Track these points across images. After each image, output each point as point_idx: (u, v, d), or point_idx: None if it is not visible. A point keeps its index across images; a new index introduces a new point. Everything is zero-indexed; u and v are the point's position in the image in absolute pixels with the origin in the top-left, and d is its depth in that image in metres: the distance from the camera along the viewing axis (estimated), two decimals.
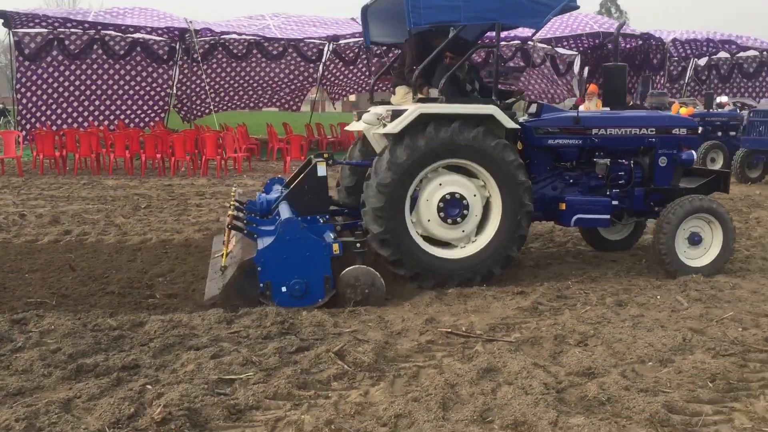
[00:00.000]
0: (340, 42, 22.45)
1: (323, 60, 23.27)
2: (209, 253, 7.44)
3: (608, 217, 6.82)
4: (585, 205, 6.75)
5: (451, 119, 6.04)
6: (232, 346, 4.55)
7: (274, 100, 24.70)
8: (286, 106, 24.81)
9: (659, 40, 23.71)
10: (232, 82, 22.84)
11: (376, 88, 10.22)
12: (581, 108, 11.57)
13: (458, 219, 6.22)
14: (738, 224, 9.34)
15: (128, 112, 22.39)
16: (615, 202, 6.85)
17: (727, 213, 6.63)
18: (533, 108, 6.99)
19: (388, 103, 7.07)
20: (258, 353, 4.43)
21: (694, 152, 7.15)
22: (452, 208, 6.19)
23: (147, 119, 22.77)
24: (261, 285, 5.35)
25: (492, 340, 4.82)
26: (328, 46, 22.69)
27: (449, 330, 5.00)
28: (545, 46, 23.91)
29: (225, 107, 24.59)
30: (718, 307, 5.55)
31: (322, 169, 6.47)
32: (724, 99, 19.94)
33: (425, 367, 4.35)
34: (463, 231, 6.28)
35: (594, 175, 7.00)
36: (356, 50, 23.24)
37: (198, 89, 21.99)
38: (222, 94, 23.27)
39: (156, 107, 22.74)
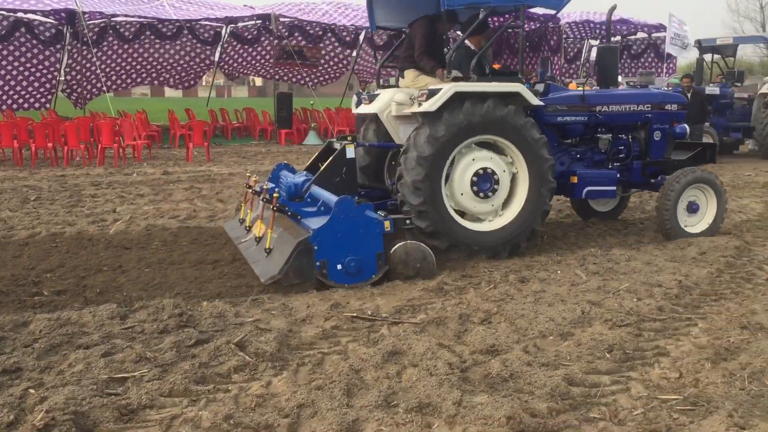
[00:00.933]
0: (239, 24, 21.84)
1: (221, 42, 22.57)
2: (104, 245, 7.07)
3: (615, 188, 7.29)
4: (595, 178, 7.16)
5: (484, 97, 6.26)
6: (125, 343, 4.30)
7: (170, 81, 23.72)
8: (180, 85, 23.87)
9: (556, 21, 24.39)
10: (124, 64, 21.78)
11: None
12: None
13: (489, 193, 6.46)
14: (634, 198, 9.75)
15: (15, 96, 21.00)
16: (618, 175, 7.28)
17: (721, 183, 7.21)
18: (540, 87, 7.18)
19: (394, 86, 7.38)
20: (153, 349, 4.21)
21: (686, 126, 7.68)
22: (484, 182, 6.43)
23: (36, 104, 21.43)
24: (317, 263, 5.43)
25: (398, 323, 4.78)
26: (226, 29, 22.02)
27: (354, 314, 4.92)
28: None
29: (118, 88, 23.48)
30: (614, 279, 5.72)
31: (350, 152, 6.67)
32: (618, 79, 20.74)
33: (330, 353, 4.25)
34: (492, 205, 6.53)
35: (597, 150, 7.44)
36: (254, 32, 22.67)
37: (89, 74, 20.85)
38: (114, 78, 22.17)
39: (43, 90, 21.40)
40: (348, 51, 24.21)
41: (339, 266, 5.51)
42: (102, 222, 8.32)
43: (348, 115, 21.80)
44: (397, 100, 6.84)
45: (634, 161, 7.48)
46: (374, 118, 7.40)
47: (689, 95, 13.43)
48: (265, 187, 6.42)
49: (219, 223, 8.17)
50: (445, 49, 6.78)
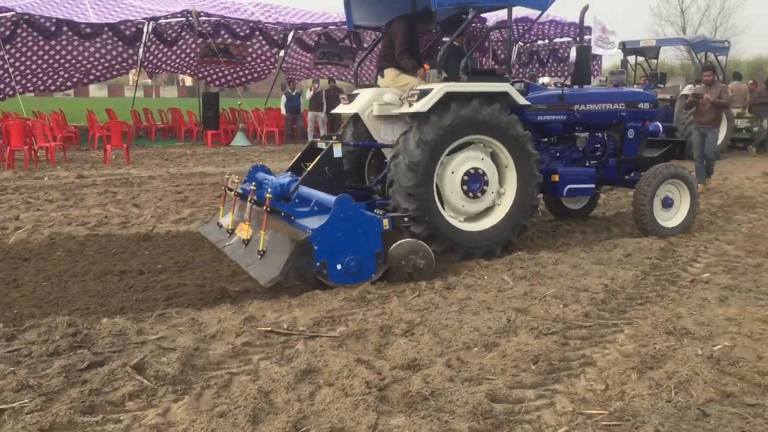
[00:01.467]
0: (160, 21, 21.04)
1: (143, 40, 21.70)
2: (0, 256, 6.50)
3: (594, 186, 7.40)
4: (575, 176, 7.25)
5: (471, 97, 6.27)
6: (8, 368, 3.85)
7: (90, 78, 22.61)
8: (102, 77, 22.77)
9: (483, 20, 24.48)
10: (40, 62, 20.66)
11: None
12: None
13: (479, 193, 6.48)
14: None
15: None
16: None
17: (693, 178, 7.42)
18: (519, 86, 7.14)
19: (372, 86, 7.43)
20: (39, 374, 3.78)
21: (659, 124, 7.86)
22: (474, 182, 6.44)
23: None
24: (318, 264, 5.36)
25: (315, 336, 4.48)
26: (148, 26, 21.19)
27: (269, 329, 4.59)
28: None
29: (32, 89, 22.26)
30: (541, 284, 5.58)
31: (338, 151, 6.64)
32: (546, 80, 21.02)
33: (238, 373, 3.91)
34: (483, 204, 6.57)
35: (575, 149, 7.60)
36: (178, 29, 21.90)
37: (1, 72, 19.68)
38: (29, 76, 21.00)
39: None
40: (276, 50, 23.65)
41: (339, 266, 5.44)
42: (1, 230, 7.70)
43: (277, 116, 21.32)
44: (387, 100, 6.86)
45: (610, 159, 7.65)
46: (354, 118, 7.38)
47: None
48: (253, 188, 6.19)
49: (195, 228, 7.78)
50: (440, 51, 6.69)
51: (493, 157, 6.58)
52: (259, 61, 23.72)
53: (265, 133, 20.31)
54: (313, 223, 5.52)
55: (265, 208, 5.70)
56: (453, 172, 6.37)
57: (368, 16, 7.64)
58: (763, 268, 5.96)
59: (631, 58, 18.07)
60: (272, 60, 24.22)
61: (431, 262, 5.78)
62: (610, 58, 30.36)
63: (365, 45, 21.29)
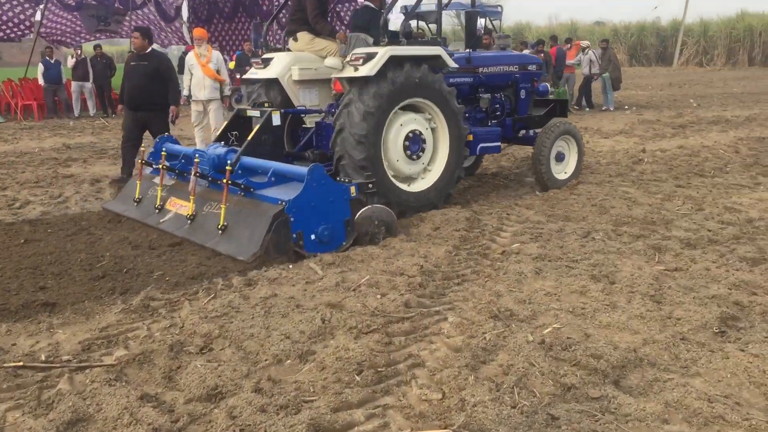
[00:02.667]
0: None
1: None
2: None
3: (500, 144, 7.82)
4: (485, 135, 7.62)
5: (410, 61, 6.43)
6: None
7: None
8: None
9: None
10: None
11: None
12: (192, 55, 10.51)
13: (420, 153, 6.73)
14: None
15: None
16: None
17: (580, 134, 8.09)
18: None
19: (281, 50, 7.52)
20: None
21: (548, 85, 8.63)
22: (414, 144, 6.66)
23: None
24: (294, 235, 5.31)
25: (84, 368, 3.54)
26: None
27: (20, 363, 3.56)
28: None
29: None
30: (353, 270, 5.05)
31: (276, 119, 6.61)
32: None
33: None
34: (423, 164, 6.84)
35: (479, 109, 8.00)
36: None
37: None
38: None
39: None
40: (28, 6, 20.38)
41: (313, 236, 5.43)
42: None
43: (34, 87, 18.66)
44: (329, 64, 6.90)
45: (507, 118, 8.07)
46: (267, 83, 7.29)
47: None
48: (196, 160, 6.04)
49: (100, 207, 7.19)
50: (383, 15, 6.75)
51: (426, 117, 6.82)
52: (5, 18, 20.40)
53: (21, 108, 17.68)
54: (282, 194, 5.46)
55: (225, 180, 5.54)
56: (396, 134, 6.55)
57: None
58: (565, 232, 5.96)
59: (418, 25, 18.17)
60: (27, 23, 21.03)
61: (395, 222, 5.96)
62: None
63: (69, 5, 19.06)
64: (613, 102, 17.96)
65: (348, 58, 6.48)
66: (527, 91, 8.17)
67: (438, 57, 6.73)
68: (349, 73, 6.41)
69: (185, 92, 10.76)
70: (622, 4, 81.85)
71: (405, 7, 17.62)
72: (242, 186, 5.63)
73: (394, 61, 6.30)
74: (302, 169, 5.59)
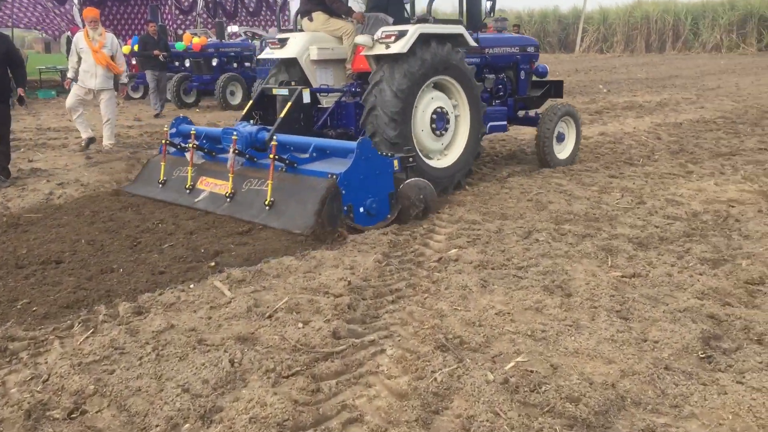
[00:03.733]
0: None
1: None
2: None
3: (506, 123, 8.05)
4: (495, 114, 7.76)
5: (438, 38, 6.52)
6: None
7: None
8: None
9: None
10: None
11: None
12: (82, 37, 9.38)
13: (443, 131, 6.78)
14: None
15: None
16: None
17: (579, 115, 8.28)
18: None
19: (300, 30, 7.58)
20: None
21: (546, 66, 8.78)
22: (440, 121, 6.70)
23: None
24: (345, 208, 5.34)
25: None
26: None
27: None
28: None
29: None
30: (267, 288, 4.25)
31: (306, 96, 6.69)
32: (235, 29, 19.38)
33: None
34: (442, 143, 6.86)
35: (485, 90, 7.81)
36: None
37: None
38: None
39: None
40: None
41: (361, 209, 5.47)
42: None
43: None
44: (361, 41, 6.64)
45: (509, 98, 8.21)
46: (287, 62, 7.35)
47: None
48: (234, 137, 6.02)
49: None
50: None
51: (449, 95, 6.90)
52: None
53: None
54: (328, 168, 5.53)
55: (271, 156, 5.56)
56: (423, 111, 6.60)
57: None
58: (504, 233, 5.36)
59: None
60: None
61: (435, 196, 6.00)
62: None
63: None
64: None
65: (377, 36, 6.44)
66: (526, 72, 8.33)
67: (461, 35, 6.86)
68: (381, 50, 6.42)
69: (70, 74, 9.58)
70: None
71: None
72: (287, 161, 5.63)
73: (421, 39, 6.36)
74: (346, 144, 5.79)
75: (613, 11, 44.55)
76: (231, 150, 5.90)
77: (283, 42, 7.32)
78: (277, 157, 5.55)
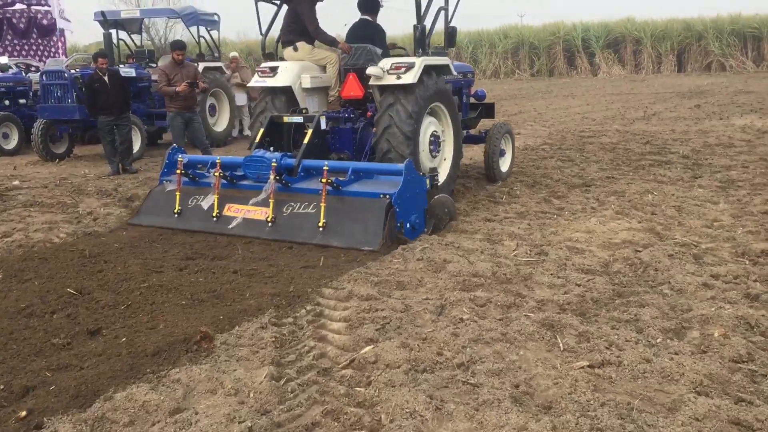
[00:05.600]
0: None
1: None
2: None
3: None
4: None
5: (436, 69, 7.32)
6: None
7: None
8: None
9: None
10: None
11: None
12: None
13: (437, 153, 7.50)
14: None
15: None
16: None
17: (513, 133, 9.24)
18: None
19: (281, 59, 8.07)
20: None
21: (484, 90, 9.36)
22: (434, 144, 7.41)
23: None
24: (398, 224, 5.80)
25: None
26: None
27: None
28: None
29: None
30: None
31: (323, 122, 7.06)
32: (4, 60, 16.48)
33: None
34: (435, 164, 7.40)
35: None
36: None
37: None
38: None
39: None
40: None
41: (408, 224, 5.92)
42: None
43: None
44: (373, 72, 6.97)
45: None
46: (280, 90, 7.71)
47: (107, 78, 10.72)
48: (273, 164, 6.34)
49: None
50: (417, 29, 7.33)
51: (438, 120, 7.55)
52: None
53: None
54: (375, 188, 6.04)
55: (324, 181, 5.91)
56: (424, 134, 7.13)
57: None
58: (414, 310, 4.30)
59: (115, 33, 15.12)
60: None
61: (455, 208, 6.66)
62: (72, 35, 26.51)
63: None
64: None
65: (386, 67, 6.93)
66: (467, 96, 8.91)
67: (447, 66, 7.74)
68: (391, 80, 6.90)
69: None
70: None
71: (102, 13, 14.68)
72: (334, 184, 5.97)
73: (430, 70, 7.11)
74: (388, 165, 6.43)
75: (399, 40, 45.88)
76: (271, 177, 6.21)
77: (273, 71, 7.66)
78: (327, 180, 5.91)
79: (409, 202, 5.92)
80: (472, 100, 9.17)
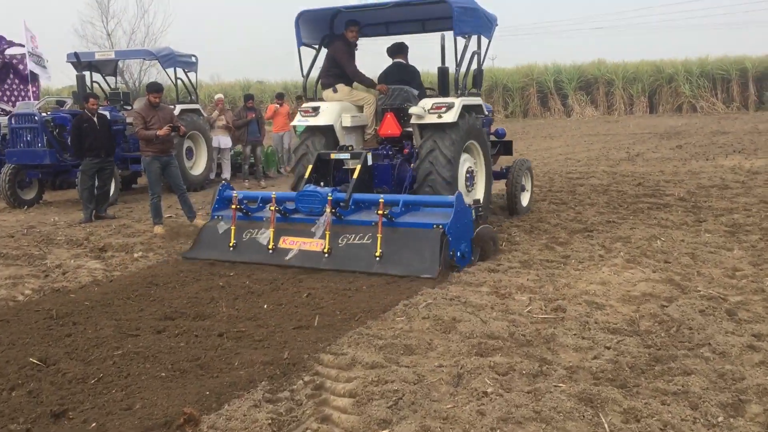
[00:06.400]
0: None
1: None
2: None
3: None
4: None
5: (471, 108, 7.92)
6: None
7: None
8: None
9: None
10: None
11: None
12: None
13: (472, 187, 8.04)
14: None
15: None
16: None
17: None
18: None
19: (320, 99, 8.53)
20: None
21: (504, 128, 9.87)
22: (471, 178, 7.98)
23: None
24: (450, 252, 6.13)
25: None
26: None
27: None
28: None
29: None
30: None
31: (370, 158, 7.47)
32: None
33: None
34: (471, 195, 7.88)
35: None
36: None
37: None
38: None
39: None
40: None
41: (459, 253, 6.22)
42: None
43: None
44: (416, 112, 7.47)
45: None
46: (318, 129, 8.13)
47: (96, 119, 10.20)
48: (330, 197, 6.66)
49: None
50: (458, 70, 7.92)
51: (473, 156, 8.16)
52: None
53: None
54: (429, 219, 6.38)
55: (380, 213, 6.26)
56: (461, 169, 7.65)
57: (312, 36, 8.57)
58: (428, 381, 3.79)
59: (88, 74, 14.55)
60: None
61: (497, 236, 7.11)
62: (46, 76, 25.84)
63: None
64: None
65: (428, 108, 7.44)
66: (488, 134, 9.07)
67: (480, 106, 8.26)
68: (432, 119, 7.39)
69: None
70: (269, 64, 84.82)
71: (76, 54, 14.15)
72: (388, 216, 6.31)
73: (467, 109, 7.66)
74: (439, 198, 6.85)
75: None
76: (328, 210, 6.54)
77: (316, 111, 8.09)
78: (383, 213, 6.27)
79: (459, 231, 6.24)
80: (492, 137, 9.46)
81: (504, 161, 10.06)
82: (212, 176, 14.76)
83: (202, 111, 14.37)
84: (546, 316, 4.86)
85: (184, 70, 14.29)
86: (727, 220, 8.10)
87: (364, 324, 4.85)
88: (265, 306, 5.46)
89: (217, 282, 6.23)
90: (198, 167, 14.09)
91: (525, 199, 9.36)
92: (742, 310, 4.81)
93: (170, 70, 14.07)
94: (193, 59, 14.52)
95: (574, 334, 4.46)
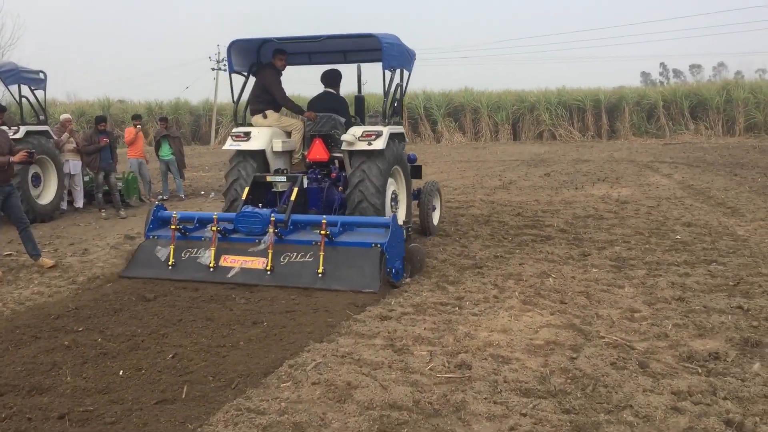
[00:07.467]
0: None
1: None
2: None
3: None
4: None
5: (397, 136, 8.59)
6: None
7: None
8: None
9: None
10: None
11: None
12: None
13: (396, 209, 8.57)
14: None
15: None
16: None
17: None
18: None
19: (250, 125, 8.95)
20: None
21: (415, 154, 9.96)
22: (395, 200, 8.56)
23: None
24: (387, 269, 6.53)
25: None
26: None
27: None
28: None
29: None
30: None
31: (306, 181, 7.95)
32: None
33: None
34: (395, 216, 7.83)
35: None
36: None
37: None
38: None
39: None
40: None
41: (394, 270, 6.62)
42: None
43: None
44: (347, 139, 7.94)
45: None
46: (248, 154, 8.52)
47: None
48: (273, 219, 7.00)
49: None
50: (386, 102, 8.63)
51: (395, 181, 8.68)
52: None
53: None
54: (366, 238, 6.82)
55: (321, 232, 6.62)
56: (387, 192, 8.13)
57: (243, 63, 8.99)
58: None
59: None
60: None
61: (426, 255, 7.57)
62: None
63: None
64: (182, 188, 15.69)
65: (358, 135, 7.95)
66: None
67: (402, 133, 8.87)
68: (363, 146, 7.91)
69: None
70: (140, 83, 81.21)
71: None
72: (329, 236, 6.70)
73: (393, 137, 8.29)
74: (377, 219, 7.41)
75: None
76: (270, 230, 6.82)
77: (247, 135, 8.48)
78: (326, 232, 6.59)
79: (394, 250, 6.66)
80: None
81: (415, 184, 9.88)
82: (64, 206, 13.27)
83: (51, 133, 12.89)
84: (451, 375, 4.34)
85: (30, 88, 12.77)
86: (611, 254, 8.06)
87: (243, 393, 4.11)
88: (121, 372, 4.57)
89: (62, 341, 5.23)
90: (46, 196, 12.56)
91: (436, 218, 9.93)
92: (653, 361, 4.53)
93: (13, 88, 12.52)
94: (41, 75, 13.02)
95: (485, 398, 3.96)
